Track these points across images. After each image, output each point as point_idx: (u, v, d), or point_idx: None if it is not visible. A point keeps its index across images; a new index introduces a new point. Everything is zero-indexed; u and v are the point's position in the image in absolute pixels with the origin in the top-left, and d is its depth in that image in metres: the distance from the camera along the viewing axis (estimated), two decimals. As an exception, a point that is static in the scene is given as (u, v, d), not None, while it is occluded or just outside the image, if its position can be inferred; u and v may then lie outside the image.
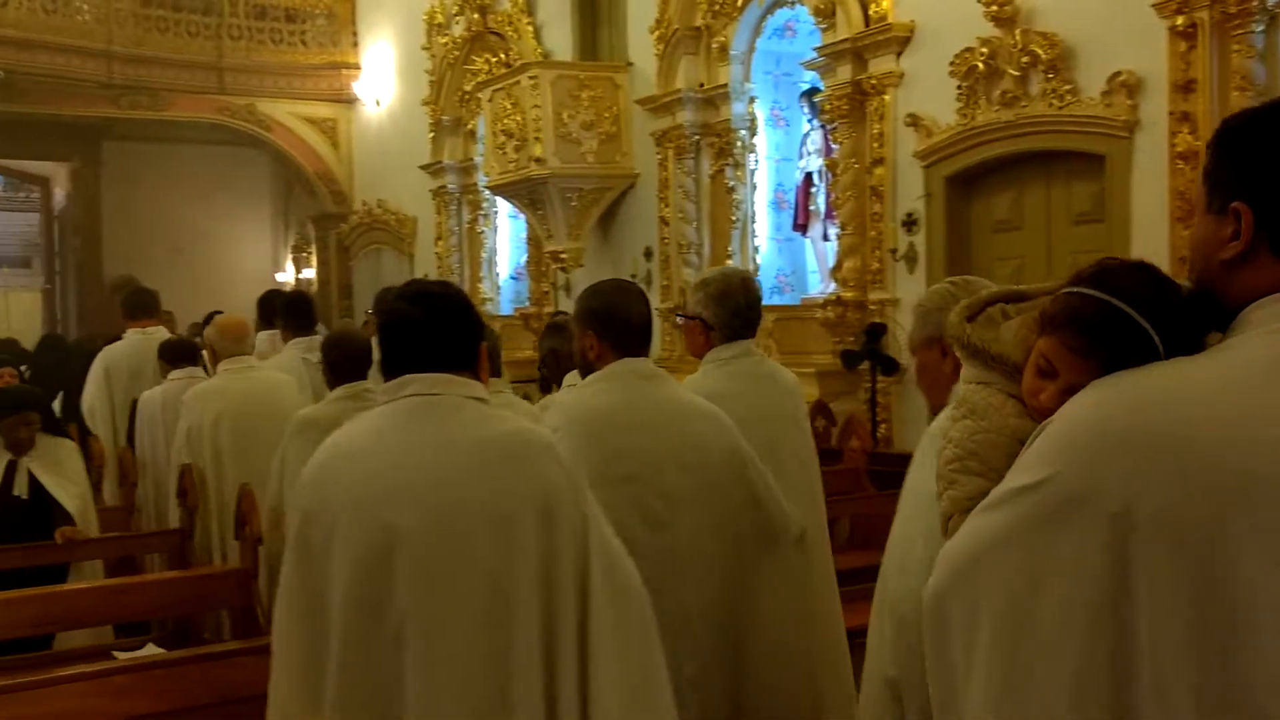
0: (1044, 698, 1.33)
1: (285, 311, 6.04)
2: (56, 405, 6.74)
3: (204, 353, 5.85)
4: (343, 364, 4.15)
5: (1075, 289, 1.52)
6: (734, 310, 3.19)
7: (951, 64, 6.30)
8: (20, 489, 4.65)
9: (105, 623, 4.23)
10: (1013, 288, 1.84)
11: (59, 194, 18.91)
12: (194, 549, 4.64)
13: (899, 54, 6.72)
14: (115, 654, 3.92)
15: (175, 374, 5.76)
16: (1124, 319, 1.44)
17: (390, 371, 2.10)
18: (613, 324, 2.79)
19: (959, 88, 6.30)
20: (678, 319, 3.42)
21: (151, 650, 4.01)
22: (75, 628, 4.06)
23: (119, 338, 6.89)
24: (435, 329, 2.08)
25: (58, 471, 4.73)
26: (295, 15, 14.27)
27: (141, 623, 4.59)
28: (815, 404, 6.57)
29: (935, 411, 2.36)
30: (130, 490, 5.34)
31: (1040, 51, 5.82)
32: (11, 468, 4.66)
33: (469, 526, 1.96)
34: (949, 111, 6.41)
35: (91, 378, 6.52)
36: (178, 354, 5.88)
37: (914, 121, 6.63)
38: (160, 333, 6.59)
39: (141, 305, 6.79)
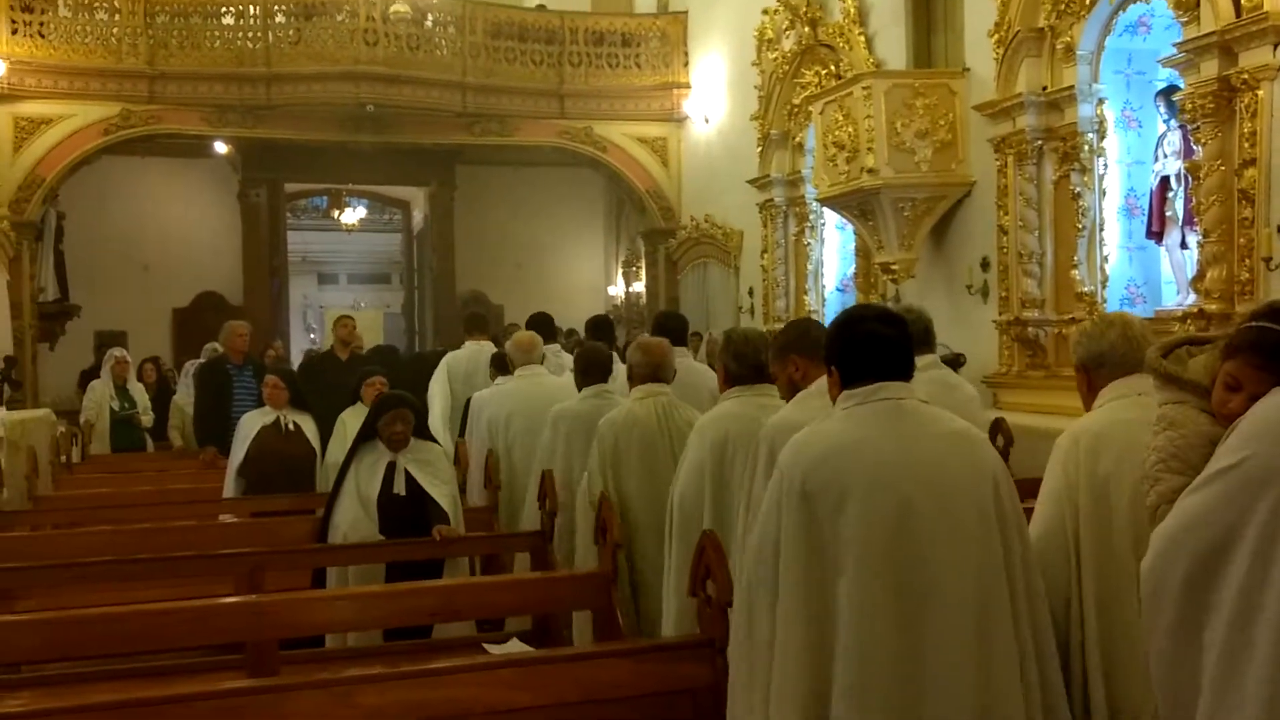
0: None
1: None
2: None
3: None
4: (590, 370, 5.18)
5: (1254, 323, 2.06)
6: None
7: (1342, 52, 5.71)
8: (399, 487, 5.09)
9: (478, 617, 4.57)
10: (1195, 334, 2.50)
11: (417, 215, 20.59)
12: (554, 550, 4.90)
13: (1276, 45, 6.14)
14: (486, 647, 4.23)
15: (498, 381, 6.65)
16: None
17: (853, 378, 2.54)
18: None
19: (1351, 78, 5.70)
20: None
21: (518, 646, 4.28)
22: (454, 620, 4.39)
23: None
24: (903, 346, 2.57)
25: (429, 471, 5.13)
26: (630, 39, 14.80)
27: (498, 619, 4.94)
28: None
29: None
30: (494, 491, 5.73)
31: None
32: (390, 469, 5.11)
33: (959, 498, 2.45)
34: (1338, 105, 5.81)
35: (435, 376, 7.63)
36: (501, 366, 6.75)
37: (1294, 117, 6.05)
38: (488, 346, 7.62)
39: (477, 324, 8.27)
